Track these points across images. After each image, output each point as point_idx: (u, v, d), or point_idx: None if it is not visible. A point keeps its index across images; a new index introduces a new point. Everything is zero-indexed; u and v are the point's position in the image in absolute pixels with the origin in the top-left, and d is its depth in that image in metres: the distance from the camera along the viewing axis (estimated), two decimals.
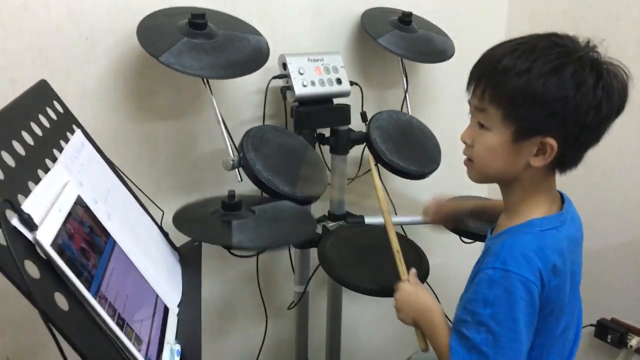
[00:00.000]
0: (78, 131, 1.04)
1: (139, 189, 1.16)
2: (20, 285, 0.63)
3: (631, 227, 1.88)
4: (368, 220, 1.62)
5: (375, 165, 1.28)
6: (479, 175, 1.04)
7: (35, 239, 0.69)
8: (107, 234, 0.87)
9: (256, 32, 1.39)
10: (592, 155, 0.99)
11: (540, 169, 0.97)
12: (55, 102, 1.03)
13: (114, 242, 0.87)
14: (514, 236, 0.98)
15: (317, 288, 1.77)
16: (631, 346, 1.90)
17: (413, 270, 1.15)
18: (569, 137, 0.93)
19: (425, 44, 1.67)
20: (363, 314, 1.96)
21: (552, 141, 0.93)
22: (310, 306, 1.70)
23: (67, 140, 0.98)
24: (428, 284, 1.75)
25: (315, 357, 1.79)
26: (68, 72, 1.31)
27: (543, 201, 1.01)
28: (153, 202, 1.18)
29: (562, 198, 1.06)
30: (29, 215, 0.69)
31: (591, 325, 1.98)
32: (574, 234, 1.03)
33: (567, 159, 0.97)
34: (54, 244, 0.71)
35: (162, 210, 1.19)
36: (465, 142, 1.03)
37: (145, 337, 0.81)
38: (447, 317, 1.07)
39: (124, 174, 1.12)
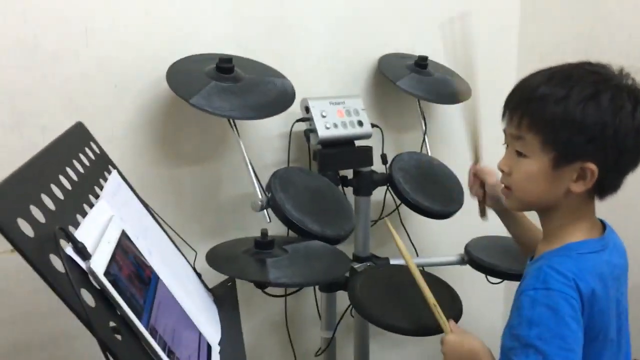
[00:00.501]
0: (114, 172, 1.05)
1: (173, 230, 1.16)
2: (80, 313, 0.62)
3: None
4: (393, 262, 1.60)
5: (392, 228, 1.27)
6: (518, 203, 1.04)
7: (89, 267, 0.68)
8: (151, 269, 0.86)
9: (280, 75, 1.41)
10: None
11: (580, 195, 0.97)
12: (92, 143, 1.04)
13: (158, 277, 0.86)
14: (552, 259, 0.97)
15: (344, 334, 1.73)
16: None
17: (452, 322, 1.13)
18: (609, 161, 0.93)
19: (442, 86, 1.69)
20: (392, 356, 1.92)
21: (592, 166, 0.93)
22: (337, 352, 1.67)
23: (105, 179, 0.99)
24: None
25: None
26: (96, 118, 1.31)
27: (582, 227, 1.01)
28: (186, 243, 1.17)
29: (604, 225, 1.05)
30: (82, 245, 0.69)
31: None
32: (617, 261, 1.02)
33: (607, 184, 0.97)
34: (106, 274, 0.70)
35: (195, 251, 1.18)
36: (502, 171, 1.03)
37: None
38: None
39: (158, 215, 1.12)
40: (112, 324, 0.68)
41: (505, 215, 1.27)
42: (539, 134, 0.95)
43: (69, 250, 0.68)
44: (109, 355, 0.63)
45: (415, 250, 1.80)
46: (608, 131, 0.92)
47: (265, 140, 1.56)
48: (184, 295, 0.93)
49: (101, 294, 0.69)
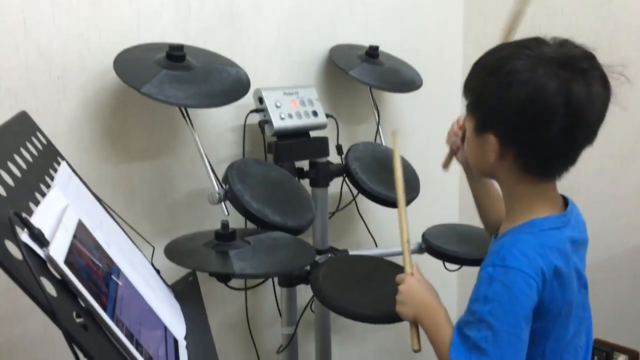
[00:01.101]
0: (63, 163, 0.98)
1: (128, 224, 1.10)
2: (42, 302, 0.56)
3: (613, 247, 1.91)
4: (352, 253, 1.58)
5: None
6: (466, 162, 1.10)
7: (48, 255, 0.62)
8: (111, 261, 0.80)
9: (234, 64, 1.37)
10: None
11: (515, 171, 0.97)
12: (38, 134, 0.98)
13: (119, 269, 0.81)
14: (514, 236, 0.98)
15: (305, 330, 1.70)
16: None
17: (417, 265, 1.11)
18: (508, 136, 0.94)
19: (394, 75, 1.69)
20: (352, 355, 1.89)
21: (492, 138, 0.95)
22: (299, 349, 1.63)
23: (55, 170, 0.92)
24: None
25: None
26: (38, 112, 1.24)
27: (541, 205, 1.00)
28: (143, 238, 1.12)
29: (566, 202, 1.06)
30: (39, 231, 0.63)
31: None
32: (577, 236, 1.03)
33: (526, 163, 0.97)
34: (67, 262, 0.64)
35: (152, 246, 1.12)
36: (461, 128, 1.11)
37: None
38: None
39: (111, 208, 1.06)
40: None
41: (473, 176, 1.27)
42: (469, 98, 1.00)
43: (25, 236, 0.62)
44: (75, 348, 0.58)
45: (374, 241, 1.79)
46: (501, 104, 0.93)
47: (218, 134, 1.51)
48: (146, 289, 0.88)
49: (62, 284, 0.63)
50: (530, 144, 0.95)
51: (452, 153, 1.26)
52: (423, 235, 1.62)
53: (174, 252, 1.08)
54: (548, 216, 1.00)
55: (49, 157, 0.95)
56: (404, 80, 1.71)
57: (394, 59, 1.78)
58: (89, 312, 0.64)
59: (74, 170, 1.01)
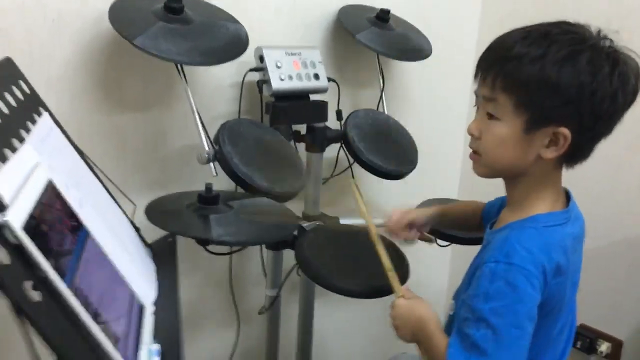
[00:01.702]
0: (45, 114, 0.96)
1: (110, 180, 1.08)
2: None
3: (601, 234, 1.88)
4: (343, 221, 1.57)
5: (357, 190, 1.24)
6: (486, 169, 1.00)
7: (4, 221, 0.61)
8: (80, 224, 0.79)
9: (234, 20, 1.33)
10: None
11: (549, 162, 0.94)
12: (21, 82, 0.95)
13: (87, 232, 0.80)
14: (518, 230, 0.95)
15: (289, 292, 1.70)
16: (601, 352, 1.90)
17: (406, 285, 1.10)
18: (583, 127, 0.90)
19: (403, 42, 1.64)
20: (335, 320, 1.90)
21: (565, 131, 0.90)
22: (281, 311, 1.64)
23: (34, 122, 0.90)
24: None
25: None
26: (31, 55, 1.22)
27: (549, 197, 0.98)
28: (125, 195, 1.10)
29: (568, 195, 1.03)
30: None
31: None
32: (577, 232, 1.01)
33: (579, 151, 0.94)
34: (25, 228, 0.63)
35: (134, 204, 1.11)
36: (472, 135, 0.99)
37: (122, 335, 0.74)
38: None
39: (94, 163, 1.04)
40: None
41: (440, 223, 1.31)
42: (513, 94, 0.91)
43: None
44: (23, 318, 0.57)
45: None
46: (584, 94, 0.88)
47: (216, 90, 1.47)
48: (117, 251, 0.87)
49: (18, 251, 0.62)
50: (600, 133, 0.93)
51: (422, 237, 1.30)
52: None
53: (153, 212, 1.07)
54: (552, 212, 0.97)
55: (31, 108, 0.92)
56: (413, 48, 1.65)
57: (405, 24, 1.72)
58: (46, 281, 0.63)
59: (57, 123, 0.98)
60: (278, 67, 1.42)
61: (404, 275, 1.26)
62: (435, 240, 1.39)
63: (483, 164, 0.99)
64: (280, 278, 1.54)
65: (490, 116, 0.94)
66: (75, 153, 0.99)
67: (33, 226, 0.65)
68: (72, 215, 0.78)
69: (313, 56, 1.51)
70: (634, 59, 0.91)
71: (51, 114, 0.99)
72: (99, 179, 1.04)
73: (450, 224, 1.35)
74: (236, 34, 1.28)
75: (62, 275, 0.66)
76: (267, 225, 1.10)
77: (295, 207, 1.58)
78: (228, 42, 1.25)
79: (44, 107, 0.98)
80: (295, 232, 1.48)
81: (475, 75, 0.96)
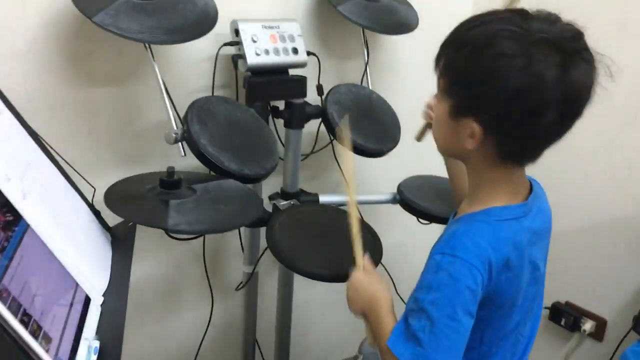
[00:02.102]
0: None
1: (68, 164, 1.06)
2: None
3: (588, 212, 1.86)
4: (322, 198, 1.54)
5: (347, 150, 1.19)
6: (436, 145, 1.00)
7: None
8: (18, 217, 0.77)
9: None
10: None
11: (488, 156, 0.91)
12: None
13: (27, 226, 0.78)
14: (468, 223, 0.94)
15: (268, 268, 1.70)
16: (584, 330, 1.89)
17: (367, 257, 1.08)
18: (494, 125, 0.87)
19: (388, 15, 1.58)
20: (315, 296, 1.90)
21: (475, 126, 0.88)
22: (260, 286, 1.63)
23: None
24: (383, 265, 1.71)
25: (264, 339, 1.73)
26: None
27: (504, 190, 0.95)
28: (83, 178, 1.08)
29: (532, 188, 1.00)
30: None
31: (546, 308, 1.96)
32: (538, 226, 0.98)
33: (507, 151, 0.91)
34: None
35: (93, 187, 1.09)
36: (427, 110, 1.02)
37: (56, 334, 0.73)
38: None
39: (50, 146, 1.02)
40: None
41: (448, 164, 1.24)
42: (447, 78, 0.91)
43: None
44: None
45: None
46: (491, 91, 0.85)
47: (191, 64, 1.43)
48: (63, 242, 0.85)
49: None
50: (518, 134, 0.88)
51: (428, 126, 1.20)
52: (398, 187, 1.58)
53: (113, 196, 1.05)
54: (507, 205, 0.95)
55: None
56: (398, 21, 1.59)
57: None
58: None
59: (8, 105, 0.96)
60: (254, 41, 1.38)
61: (377, 257, 1.25)
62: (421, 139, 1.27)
63: (434, 138, 1.00)
64: (257, 254, 1.53)
65: (436, 96, 0.95)
66: (28, 137, 0.96)
67: None
68: (9, 209, 0.76)
69: (292, 29, 1.46)
70: (594, 64, 0.85)
71: (2, 96, 0.96)
72: (56, 163, 1.01)
73: (455, 166, 1.23)
74: (204, 10, 1.23)
75: None
76: (227, 212, 1.08)
77: (273, 183, 1.56)
78: (195, 18, 1.20)
79: None
80: (271, 211, 1.47)
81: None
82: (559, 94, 0.83)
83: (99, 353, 0.77)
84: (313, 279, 1.22)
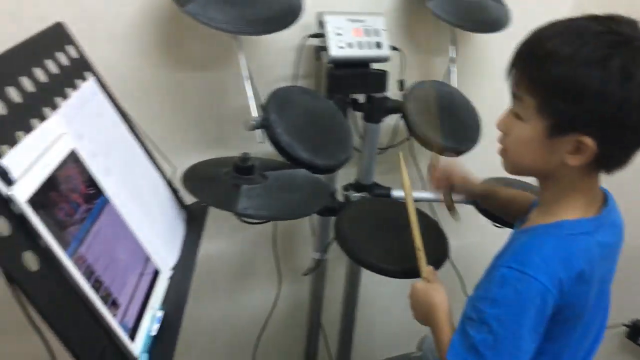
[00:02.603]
0: (91, 79, 1.01)
1: (154, 144, 1.13)
2: None
3: None
4: (395, 193, 1.55)
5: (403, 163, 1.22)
6: (512, 167, 0.97)
7: (8, 194, 0.66)
8: (99, 191, 0.84)
9: None
10: None
11: (579, 169, 0.88)
12: (69, 47, 1.00)
13: (106, 200, 0.85)
14: (540, 237, 0.91)
15: (339, 256, 1.73)
16: None
17: (430, 268, 1.09)
18: (610, 137, 0.84)
19: (478, 12, 1.55)
20: (383, 288, 1.92)
21: (589, 141, 0.83)
22: (330, 273, 1.67)
23: (76, 87, 0.95)
24: (453, 265, 1.70)
25: (329, 324, 1.77)
26: (97, 13, 1.28)
27: (580, 202, 0.92)
28: (165, 158, 1.15)
29: (606, 199, 0.97)
30: (4, 169, 0.67)
31: (624, 325, 1.88)
32: (608, 240, 0.95)
33: (610, 161, 0.88)
34: (32, 200, 0.68)
35: (174, 167, 1.16)
36: (501, 130, 0.95)
37: (124, 301, 0.79)
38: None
39: (138, 126, 1.09)
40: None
41: (484, 201, 1.27)
42: (536, 97, 0.86)
43: None
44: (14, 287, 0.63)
45: (424, 184, 1.74)
46: (611, 103, 0.80)
47: (277, 53, 1.48)
48: (140, 218, 0.92)
49: (23, 223, 0.68)
50: (628, 142, 0.86)
51: (449, 195, 1.23)
52: None
53: (190, 177, 1.11)
54: (580, 219, 0.92)
55: (75, 73, 0.98)
56: (488, 18, 1.56)
57: None
58: (47, 251, 0.69)
59: (102, 86, 1.04)
60: (338, 35, 1.40)
61: (441, 256, 1.25)
62: (458, 216, 1.32)
63: (509, 161, 0.96)
64: (327, 242, 1.57)
65: (517, 115, 0.90)
66: (118, 117, 1.04)
67: (42, 198, 0.70)
68: (92, 183, 0.84)
69: (377, 23, 1.47)
70: None
71: (98, 78, 1.04)
72: (141, 142, 1.09)
73: (495, 207, 1.31)
74: (290, 3, 1.27)
75: (66, 244, 0.71)
76: (293, 201, 1.12)
77: (349, 173, 1.59)
78: (279, 11, 1.24)
79: (91, 71, 1.03)
80: (343, 201, 1.50)
81: (508, 68, 0.91)
82: None
83: (161, 322, 0.83)
84: (376, 272, 1.24)
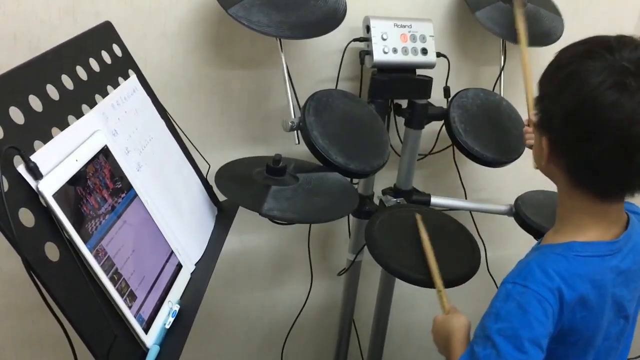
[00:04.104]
0: (133, 76, 1.06)
1: (190, 141, 1.18)
2: (6, 230, 0.66)
3: None
4: (434, 200, 1.55)
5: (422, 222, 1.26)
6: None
7: (37, 187, 0.71)
8: (129, 187, 0.89)
9: None
10: None
11: (566, 182, 0.90)
12: (115, 45, 1.06)
13: (134, 195, 0.90)
14: (546, 255, 0.91)
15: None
16: None
17: (452, 305, 1.10)
18: (562, 147, 0.87)
19: (530, 23, 1.50)
20: (418, 290, 1.90)
21: (544, 141, 0.89)
22: (365, 273, 1.68)
23: (117, 85, 1.00)
24: (491, 276, 1.68)
25: (363, 324, 1.79)
26: (150, 12, 1.33)
27: (592, 226, 0.91)
28: (201, 155, 1.20)
29: (628, 224, 0.95)
30: (34, 164, 0.72)
31: None
32: (628, 266, 0.92)
33: (578, 179, 0.88)
34: (58, 194, 0.73)
35: (208, 164, 1.20)
36: None
37: (142, 294, 0.83)
38: None
39: (175, 124, 1.14)
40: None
41: None
42: (538, 92, 0.93)
43: (21, 168, 0.71)
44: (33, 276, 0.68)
45: (465, 192, 1.73)
46: (554, 105, 0.86)
47: (323, 55, 1.50)
48: (167, 213, 0.96)
49: (48, 215, 0.72)
50: (578, 157, 0.86)
51: None
52: (516, 200, 1.53)
53: (223, 175, 1.15)
54: (593, 242, 0.91)
55: (118, 71, 1.03)
56: (539, 30, 1.53)
57: None
58: (68, 243, 0.73)
59: (144, 82, 1.08)
60: (383, 39, 1.41)
61: (474, 267, 1.25)
62: None
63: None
64: (361, 244, 1.58)
65: None
66: (157, 114, 1.09)
67: (69, 192, 0.75)
68: (123, 179, 0.88)
69: (424, 29, 1.46)
70: None
71: (140, 75, 1.09)
72: (178, 138, 1.13)
73: None
74: (333, 7, 1.28)
75: (88, 236, 0.76)
76: (320, 205, 1.13)
77: (389, 177, 1.59)
78: (322, 15, 1.26)
79: (134, 68, 1.08)
80: (378, 205, 1.50)
81: None
82: (614, 119, 0.79)
83: (176, 316, 0.87)
84: (402, 279, 1.24)
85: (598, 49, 0.83)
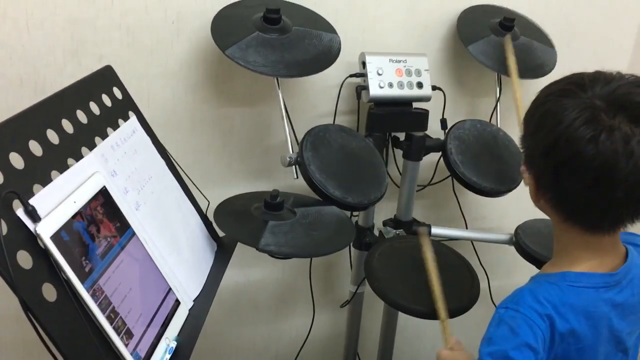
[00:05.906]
0: (132, 117, 1.09)
1: (189, 178, 1.21)
2: (4, 272, 0.68)
3: None
4: (435, 230, 1.56)
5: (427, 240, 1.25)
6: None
7: (35, 230, 0.74)
8: (127, 226, 0.91)
9: (331, 30, 1.37)
10: None
11: (553, 215, 0.93)
12: (115, 89, 1.09)
13: (133, 234, 0.92)
14: (538, 282, 0.93)
15: None
16: None
17: (455, 338, 1.11)
18: (544, 183, 0.91)
19: (523, 56, 1.53)
20: (422, 322, 1.90)
21: (527, 176, 0.94)
22: (369, 305, 1.69)
23: (116, 127, 1.04)
24: (494, 304, 1.68)
25: (367, 354, 1.79)
26: (152, 52, 1.37)
27: (586, 258, 0.93)
28: (200, 192, 1.22)
29: (627, 257, 0.96)
30: (33, 208, 0.75)
31: None
32: (626, 299, 0.93)
33: (564, 212, 0.90)
34: (55, 236, 0.76)
35: (207, 200, 1.23)
36: None
37: (139, 331, 0.85)
38: None
39: (174, 161, 1.17)
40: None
41: None
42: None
43: (20, 212, 0.74)
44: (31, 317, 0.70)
45: (465, 222, 1.74)
46: (536, 144, 0.90)
47: (319, 90, 1.53)
48: (165, 250, 0.99)
49: (46, 257, 0.75)
50: (560, 192, 0.88)
51: None
52: (516, 229, 1.54)
53: (222, 211, 1.17)
54: (588, 272, 0.92)
55: (117, 113, 1.06)
56: (532, 63, 1.55)
57: (532, 30, 1.62)
58: (66, 283, 0.76)
59: (144, 123, 1.12)
60: (379, 75, 1.44)
61: (473, 297, 1.25)
62: None
63: None
64: (362, 276, 1.59)
65: None
66: (156, 153, 1.12)
67: (66, 233, 0.78)
68: (120, 219, 0.91)
69: (419, 64, 1.49)
70: None
71: (140, 116, 1.12)
72: (177, 176, 1.16)
73: None
74: (327, 46, 1.32)
75: (85, 276, 0.78)
76: (317, 240, 1.15)
77: (390, 208, 1.61)
78: (316, 54, 1.29)
79: (134, 110, 1.12)
80: (378, 236, 1.52)
81: None
82: (590, 155, 0.81)
83: (173, 352, 0.88)
84: (403, 311, 1.26)
85: (572, 87, 0.86)
